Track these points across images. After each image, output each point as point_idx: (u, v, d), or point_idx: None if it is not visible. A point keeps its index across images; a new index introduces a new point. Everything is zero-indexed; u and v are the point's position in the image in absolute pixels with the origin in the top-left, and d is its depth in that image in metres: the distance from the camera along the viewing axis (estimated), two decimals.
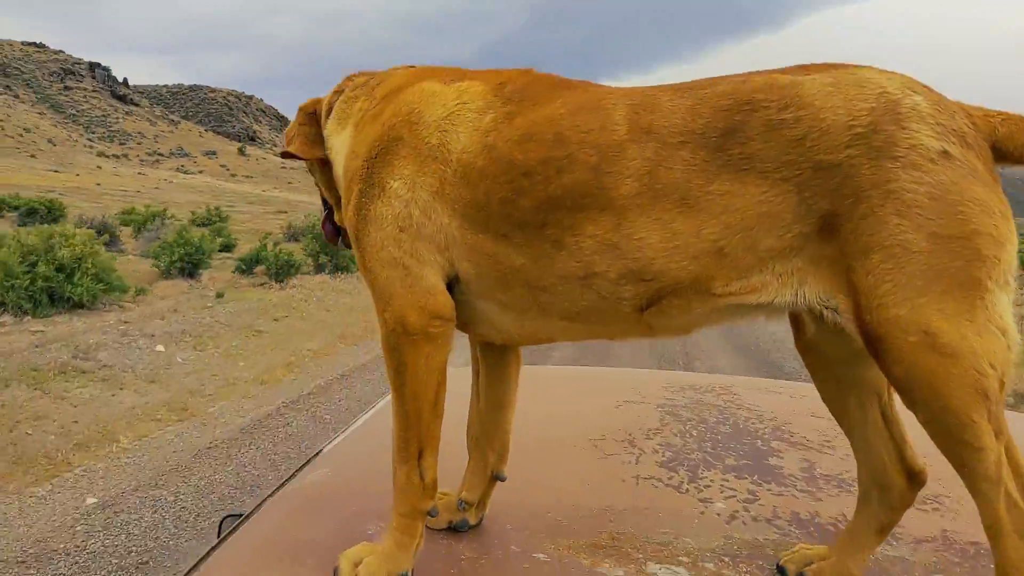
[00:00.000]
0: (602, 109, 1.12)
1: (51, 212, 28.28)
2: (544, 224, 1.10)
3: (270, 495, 1.43)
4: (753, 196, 1.03)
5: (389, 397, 1.47)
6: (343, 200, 1.27)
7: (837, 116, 1.01)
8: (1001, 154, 1.03)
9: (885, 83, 1.03)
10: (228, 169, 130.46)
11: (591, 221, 1.08)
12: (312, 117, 1.39)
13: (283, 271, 16.80)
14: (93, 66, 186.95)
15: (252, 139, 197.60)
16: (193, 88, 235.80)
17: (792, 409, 1.88)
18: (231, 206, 52.86)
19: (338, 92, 1.38)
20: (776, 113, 1.03)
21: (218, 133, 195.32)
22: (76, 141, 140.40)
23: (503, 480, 1.34)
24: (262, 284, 16.31)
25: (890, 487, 1.17)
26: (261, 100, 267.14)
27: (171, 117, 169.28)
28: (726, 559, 1.12)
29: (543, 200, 1.10)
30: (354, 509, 1.32)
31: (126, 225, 26.88)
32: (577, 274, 1.10)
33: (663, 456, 1.53)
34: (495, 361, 1.35)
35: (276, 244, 20.24)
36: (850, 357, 1.18)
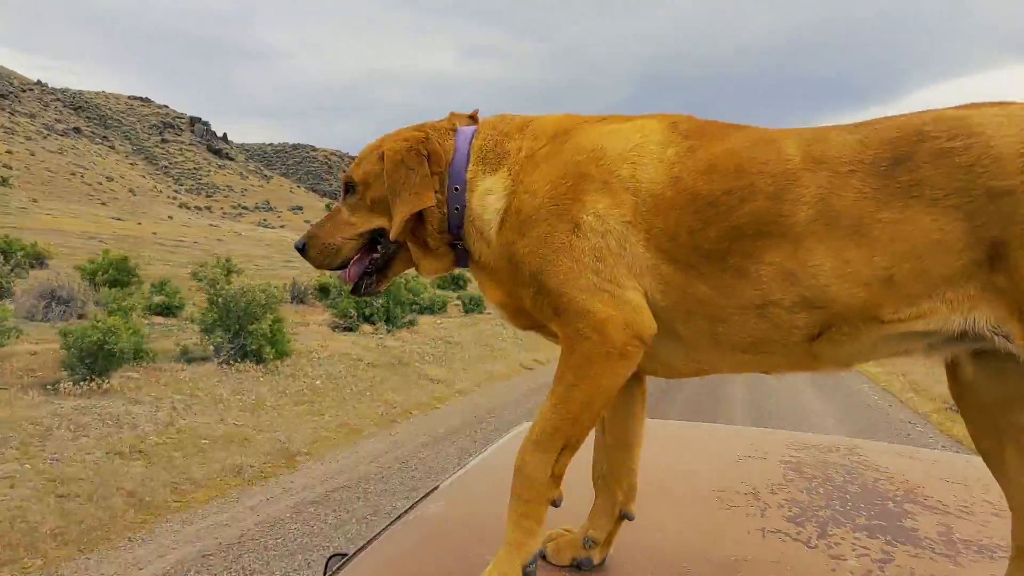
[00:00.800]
0: (775, 142, 1.16)
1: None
2: (728, 253, 1.13)
3: (380, 532, 1.42)
4: (923, 223, 1.04)
5: (500, 442, 1.71)
6: (513, 238, 1.24)
7: (1009, 143, 1.01)
8: None
9: None
10: (311, 223, 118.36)
11: (771, 248, 1.11)
12: (422, 158, 1.33)
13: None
14: (194, 120, 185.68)
15: None
16: (296, 147, 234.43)
17: (924, 471, 1.80)
18: (283, 257, 45.90)
19: (477, 136, 1.37)
20: (945, 142, 1.04)
21: (314, 191, 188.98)
22: (160, 192, 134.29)
23: (631, 519, 1.32)
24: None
25: None
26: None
27: (265, 173, 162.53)
28: None
29: (728, 229, 1.12)
30: (471, 538, 1.31)
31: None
32: (755, 303, 1.12)
33: (789, 511, 1.47)
34: (623, 399, 1.32)
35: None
36: (1010, 400, 1.14)
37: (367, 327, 15.53)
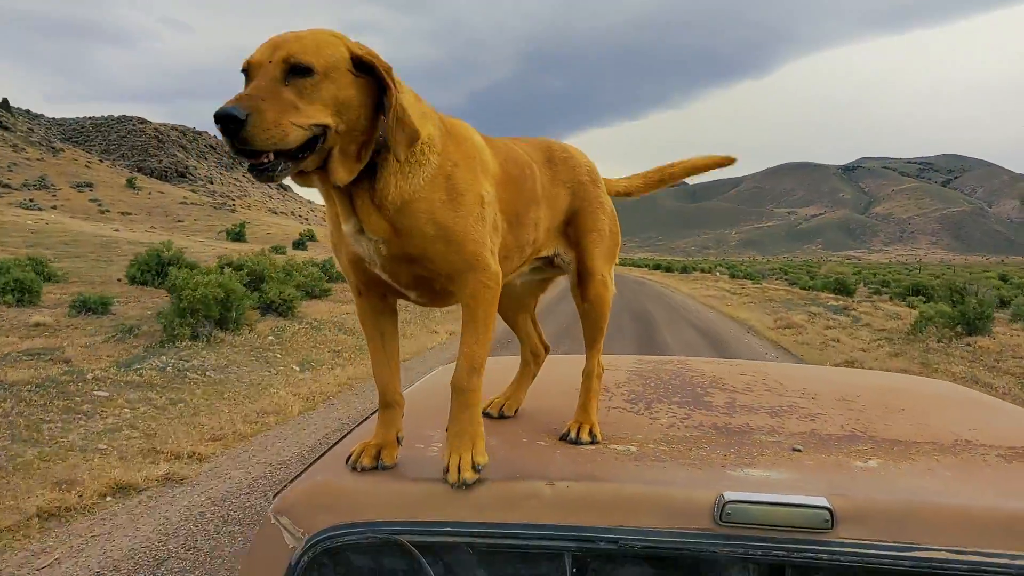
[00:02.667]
0: (516, 148, 1.73)
1: None
2: (522, 212, 1.65)
3: (318, 457, 1.64)
4: (560, 195, 1.78)
5: (422, 381, 2.40)
6: (440, 197, 1.44)
7: (583, 160, 1.89)
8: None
9: None
10: (100, 204, 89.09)
11: (533, 209, 1.69)
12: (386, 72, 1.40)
13: None
14: None
15: (181, 175, 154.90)
16: (121, 120, 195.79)
17: (728, 371, 2.47)
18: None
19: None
20: (561, 153, 1.84)
21: (140, 168, 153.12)
22: None
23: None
24: None
25: (538, 354, 2.03)
26: (210, 135, 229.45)
27: (55, 145, 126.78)
28: (662, 444, 1.59)
29: (526, 197, 1.67)
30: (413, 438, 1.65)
31: None
32: (524, 241, 1.67)
33: (627, 397, 2.05)
34: (391, 321, 1.65)
35: None
36: (532, 289, 2.04)
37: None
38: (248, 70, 1.31)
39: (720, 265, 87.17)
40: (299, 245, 56.54)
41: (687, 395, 2.09)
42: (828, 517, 1.25)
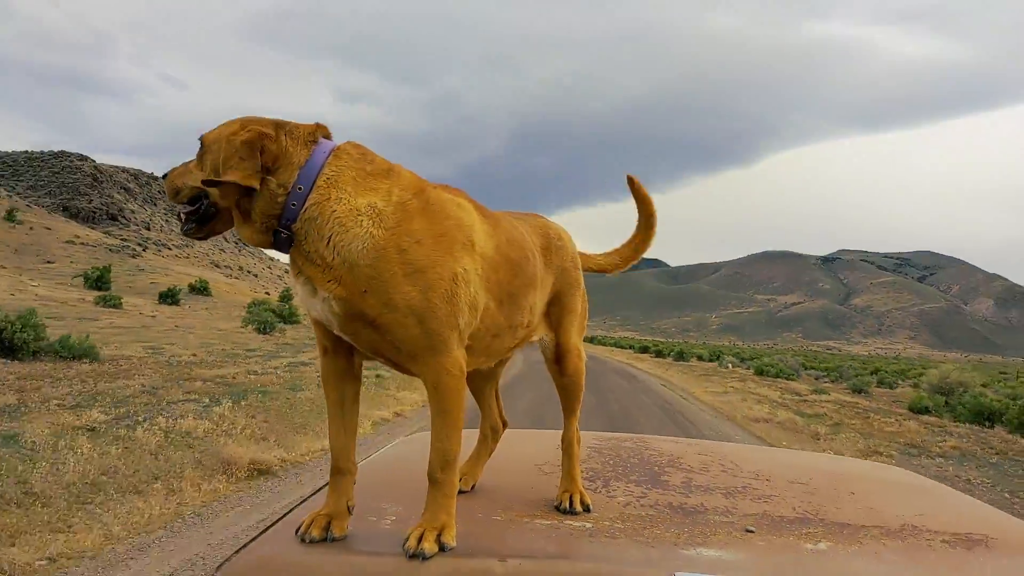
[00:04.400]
0: (519, 228, 1.76)
1: None
2: (518, 294, 1.68)
3: (267, 528, 1.59)
4: (548, 281, 1.82)
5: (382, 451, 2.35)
6: (395, 271, 1.45)
7: (570, 245, 1.95)
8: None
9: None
10: None
11: (530, 292, 1.72)
12: (255, 153, 1.46)
13: None
14: None
15: (112, 217, 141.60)
16: (60, 155, 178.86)
17: (686, 450, 2.47)
18: None
19: (337, 155, 1.52)
20: (556, 240, 1.87)
21: (66, 207, 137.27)
22: None
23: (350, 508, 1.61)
24: None
25: (497, 429, 2.04)
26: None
27: None
28: (617, 522, 1.62)
29: (523, 279, 1.70)
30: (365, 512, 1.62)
31: None
32: (516, 323, 1.70)
33: (586, 474, 1.99)
34: (352, 395, 1.64)
35: None
36: (495, 368, 2.02)
37: None
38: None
39: (728, 354, 69.34)
40: (167, 297, 46.63)
41: (644, 473, 2.11)
42: None
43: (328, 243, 1.43)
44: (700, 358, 59.38)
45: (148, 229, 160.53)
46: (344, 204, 1.44)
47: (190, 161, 1.59)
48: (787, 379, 34.29)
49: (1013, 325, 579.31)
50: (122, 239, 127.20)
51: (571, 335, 1.88)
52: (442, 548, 1.36)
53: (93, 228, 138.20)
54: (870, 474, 2.37)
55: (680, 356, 58.78)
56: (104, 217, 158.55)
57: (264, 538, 1.49)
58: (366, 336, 1.46)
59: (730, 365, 45.76)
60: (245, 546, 1.45)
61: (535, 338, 1.83)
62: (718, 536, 1.54)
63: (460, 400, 1.49)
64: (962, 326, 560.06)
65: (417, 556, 1.32)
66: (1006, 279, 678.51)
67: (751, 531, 1.59)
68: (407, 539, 1.36)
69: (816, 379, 38.20)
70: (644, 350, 75.16)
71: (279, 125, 1.50)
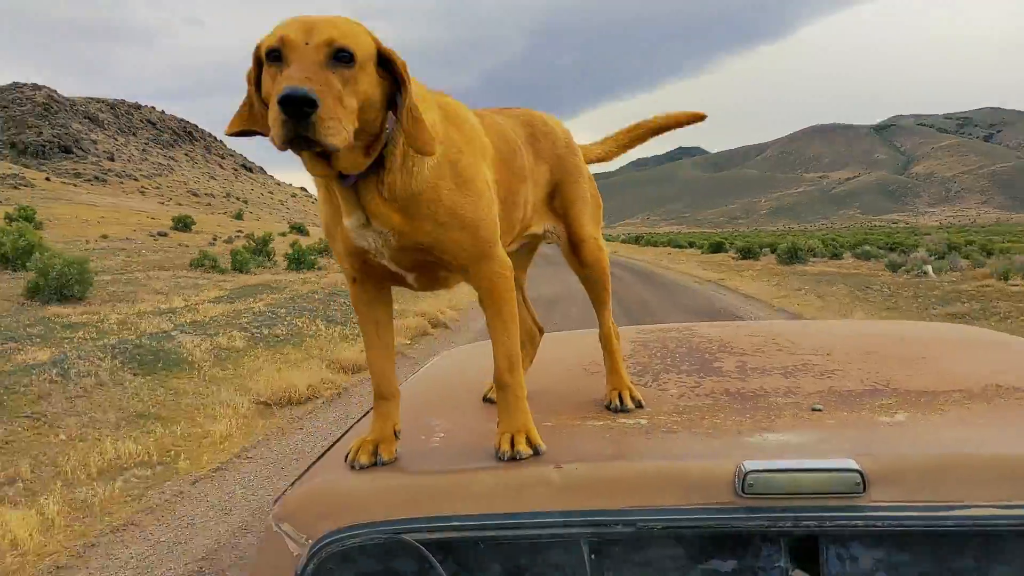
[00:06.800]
0: (503, 124, 1.67)
1: None
2: (515, 191, 1.62)
3: (321, 455, 1.60)
4: (542, 171, 1.73)
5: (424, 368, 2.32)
6: (448, 184, 1.40)
7: (562, 132, 1.82)
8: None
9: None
10: None
11: (523, 187, 1.65)
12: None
13: None
14: None
15: (65, 149, 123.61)
16: (11, 88, 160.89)
17: (734, 333, 2.40)
18: None
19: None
20: (542, 127, 1.77)
21: (13, 143, 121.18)
22: None
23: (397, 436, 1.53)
24: None
25: (533, 336, 1.99)
26: (156, 109, 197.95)
27: None
28: (673, 415, 1.54)
29: (517, 175, 1.64)
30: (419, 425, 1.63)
31: None
32: (515, 219, 1.64)
33: (634, 369, 1.96)
34: (386, 309, 1.59)
35: None
36: (521, 261, 1.94)
37: None
38: (281, 50, 1.19)
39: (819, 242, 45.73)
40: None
41: (695, 362, 2.04)
42: (859, 480, 1.17)
43: (404, 166, 1.34)
44: (774, 250, 37.91)
45: (112, 160, 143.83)
46: (426, 118, 1.34)
47: (322, 80, 1.28)
48: None
49: None
50: (93, 174, 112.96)
51: (583, 224, 1.79)
52: (536, 451, 1.35)
53: (43, 163, 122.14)
54: (939, 335, 2.29)
55: (747, 254, 37.51)
56: (55, 150, 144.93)
57: (315, 470, 1.49)
58: (412, 258, 1.44)
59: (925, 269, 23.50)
60: (298, 479, 1.47)
61: (533, 231, 1.76)
62: (783, 418, 1.47)
63: (514, 298, 1.49)
64: None
65: (515, 458, 1.32)
66: None
67: (818, 409, 1.51)
68: (498, 446, 1.36)
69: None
70: (703, 247, 53.76)
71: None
